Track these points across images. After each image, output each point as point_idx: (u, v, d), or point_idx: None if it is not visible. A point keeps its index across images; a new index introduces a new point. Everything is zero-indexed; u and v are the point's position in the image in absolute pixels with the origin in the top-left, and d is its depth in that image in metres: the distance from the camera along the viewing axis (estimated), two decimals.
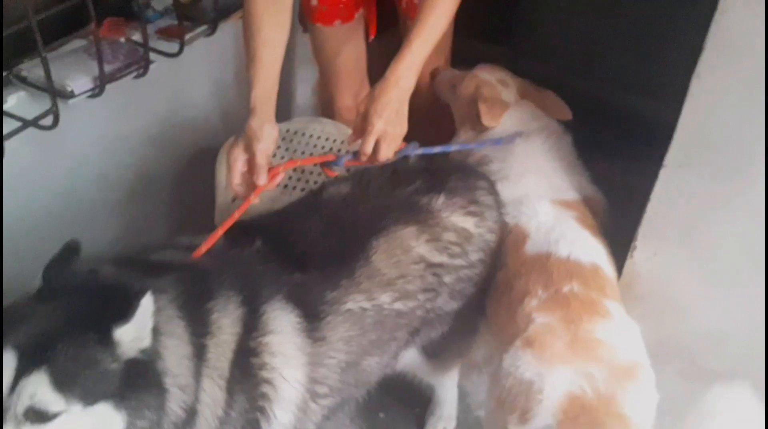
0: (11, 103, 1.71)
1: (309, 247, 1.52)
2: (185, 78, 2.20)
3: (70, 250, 1.25)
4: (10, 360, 1.11)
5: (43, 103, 1.69)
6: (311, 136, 2.13)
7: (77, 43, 1.88)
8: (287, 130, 2.13)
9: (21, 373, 1.10)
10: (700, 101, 1.46)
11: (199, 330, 1.31)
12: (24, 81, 1.73)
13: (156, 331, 1.21)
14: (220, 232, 1.46)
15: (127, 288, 1.19)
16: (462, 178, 1.73)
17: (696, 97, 1.46)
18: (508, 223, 1.74)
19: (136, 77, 1.87)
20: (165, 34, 1.97)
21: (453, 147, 1.88)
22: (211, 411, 1.33)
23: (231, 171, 1.58)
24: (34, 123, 1.66)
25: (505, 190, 1.78)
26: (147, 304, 1.16)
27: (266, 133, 1.55)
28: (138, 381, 1.19)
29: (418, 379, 1.93)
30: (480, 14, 2.24)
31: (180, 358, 1.26)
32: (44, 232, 1.93)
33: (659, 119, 1.63)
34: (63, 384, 1.11)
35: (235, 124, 2.29)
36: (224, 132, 2.29)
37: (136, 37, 1.90)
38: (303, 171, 2.03)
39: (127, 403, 1.17)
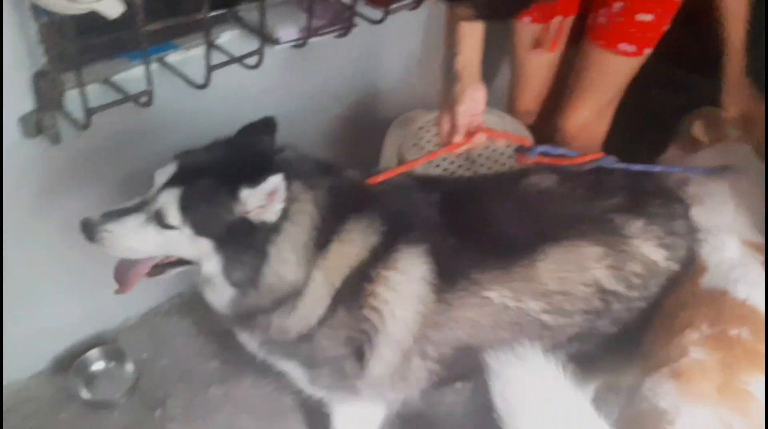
0: (224, 38, 1.85)
1: (480, 222, 1.54)
2: (380, 46, 2.28)
3: (266, 122, 1.52)
4: (171, 170, 1.40)
5: (250, 44, 1.81)
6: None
7: None
8: None
9: (168, 182, 1.39)
10: None
11: (328, 230, 1.44)
12: (239, 21, 1.86)
13: (285, 214, 1.39)
14: (399, 169, 1.61)
15: (271, 163, 1.41)
16: (664, 204, 1.65)
17: None
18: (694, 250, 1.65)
19: (338, 36, 1.95)
20: (372, 0, 2.03)
21: (656, 168, 1.80)
22: (311, 305, 1.46)
23: (440, 133, 1.74)
24: (240, 60, 1.78)
25: (696, 217, 1.70)
26: (274, 182, 1.34)
27: (468, 97, 1.68)
28: (243, 238, 1.38)
29: None
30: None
31: (293, 241, 1.41)
32: None
33: None
34: (186, 206, 1.36)
35: (415, 98, 2.36)
36: (403, 105, 2.35)
37: None
38: (474, 162, 2.04)
39: (226, 248, 1.38)
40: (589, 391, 1.91)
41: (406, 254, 1.47)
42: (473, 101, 1.69)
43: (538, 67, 2.21)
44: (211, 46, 1.68)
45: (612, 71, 2.08)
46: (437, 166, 2.04)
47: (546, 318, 1.52)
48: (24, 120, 1.60)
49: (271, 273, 1.41)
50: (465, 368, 1.58)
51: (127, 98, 1.63)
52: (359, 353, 1.52)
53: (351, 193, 1.52)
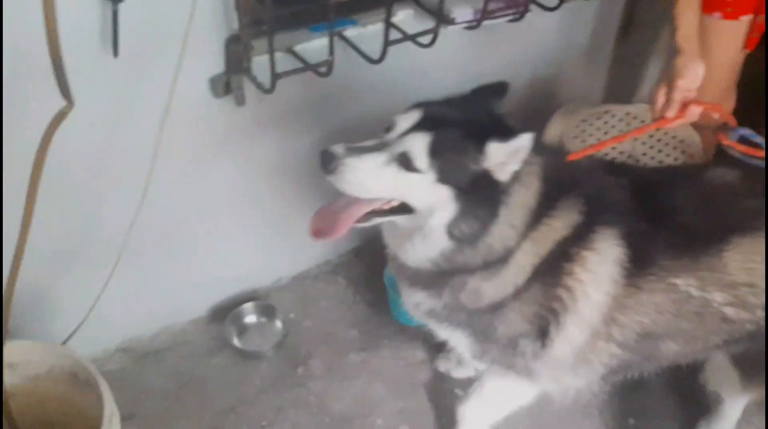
0: (400, 16, 1.91)
1: (667, 209, 1.53)
2: (548, 33, 2.26)
3: (500, 85, 1.53)
4: (415, 116, 1.41)
5: (425, 23, 1.85)
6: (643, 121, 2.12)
7: None
8: (626, 113, 2.15)
9: (414, 127, 1.39)
10: None
11: (546, 201, 1.45)
12: (416, 1, 1.91)
13: (516, 176, 1.39)
14: (599, 146, 1.63)
15: (513, 125, 1.43)
16: None
17: None
18: None
19: (511, 20, 1.95)
20: None
21: None
22: (514, 274, 1.47)
23: (654, 105, 1.69)
24: (414, 38, 1.82)
25: None
26: (525, 140, 1.34)
27: (689, 71, 1.64)
28: (483, 191, 1.38)
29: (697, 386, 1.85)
30: None
31: (521, 206, 1.42)
32: None
33: None
34: (434, 151, 1.35)
35: (575, 90, 2.33)
36: (563, 96, 2.33)
37: None
38: (637, 160, 2.00)
39: (464, 199, 1.37)
40: (741, 404, 1.85)
41: (603, 235, 1.48)
42: (695, 76, 1.65)
43: (724, 66, 2.11)
44: (389, 24, 1.74)
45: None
46: (606, 154, 2.01)
47: (728, 310, 1.50)
48: (213, 80, 1.72)
49: (496, 233, 1.41)
50: (643, 355, 1.59)
51: (309, 67, 1.71)
52: (542, 332, 1.53)
53: (564, 168, 1.53)
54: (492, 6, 1.85)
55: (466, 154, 1.36)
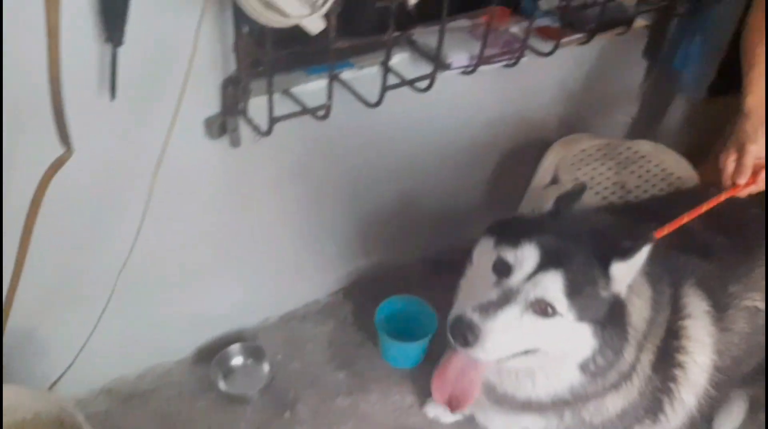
0: (395, 60, 1.90)
1: (711, 239, 1.57)
2: (543, 77, 2.28)
3: (580, 188, 1.43)
4: (533, 253, 1.28)
5: (420, 68, 1.86)
6: (649, 161, 2.13)
7: (463, 22, 2.02)
8: (627, 148, 2.18)
9: (540, 267, 1.27)
10: None
11: (657, 303, 1.39)
12: (412, 45, 1.91)
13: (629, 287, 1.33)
14: (684, 219, 1.51)
15: (642, 232, 1.33)
16: None
17: None
18: None
19: (506, 66, 1.96)
20: (543, 33, 2.04)
21: None
22: (638, 379, 1.42)
23: (724, 171, 1.66)
24: (411, 83, 1.82)
25: None
26: (645, 252, 1.27)
27: (760, 135, 1.64)
28: (615, 318, 1.30)
29: None
30: None
31: (641, 318, 1.36)
32: (383, 173, 2.19)
33: None
34: (571, 290, 1.25)
35: (564, 131, 2.35)
36: (555, 133, 2.34)
37: (515, 29, 2.01)
38: (624, 188, 2.02)
39: (603, 333, 1.29)
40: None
41: (690, 297, 1.48)
42: (765, 141, 1.65)
43: None
44: (386, 67, 1.74)
45: None
46: (596, 193, 2.01)
47: None
48: (209, 122, 1.70)
49: (627, 356, 1.34)
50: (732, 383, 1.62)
51: (307, 110, 1.70)
52: (657, 411, 1.50)
53: (660, 258, 1.46)
54: (488, 52, 1.86)
55: (597, 284, 1.28)
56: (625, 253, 1.27)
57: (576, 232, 1.33)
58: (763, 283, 1.56)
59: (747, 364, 1.62)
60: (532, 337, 1.28)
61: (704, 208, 1.56)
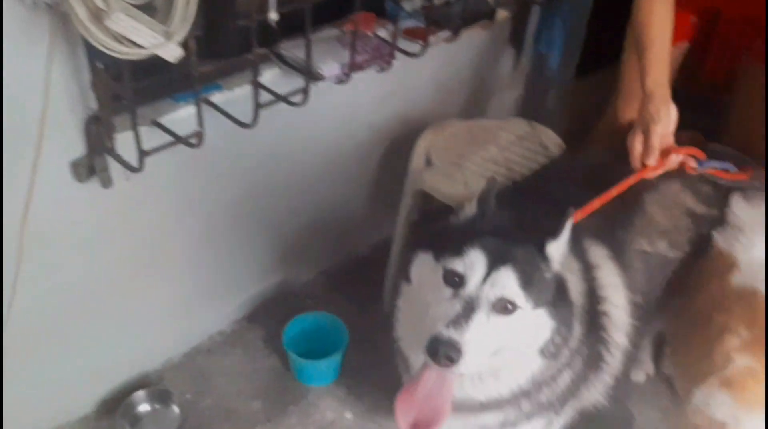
0: (266, 77, 1.86)
1: (595, 194, 1.62)
2: (416, 76, 2.30)
3: (492, 184, 1.42)
4: (481, 257, 1.29)
5: (293, 82, 1.82)
6: (526, 139, 2.20)
7: (330, 32, 2.01)
8: (498, 127, 2.22)
9: (491, 268, 1.28)
10: None
11: (583, 267, 1.46)
12: (281, 59, 1.88)
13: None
14: (596, 203, 1.57)
15: (556, 209, 1.36)
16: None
17: None
18: (721, 246, 1.69)
19: (379, 71, 1.96)
20: (410, 34, 2.05)
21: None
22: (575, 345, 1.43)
23: (632, 154, 1.72)
24: (285, 98, 1.79)
25: (736, 211, 1.73)
26: (570, 225, 1.33)
27: (663, 115, 1.68)
28: (561, 295, 1.35)
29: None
30: None
31: (577, 292, 1.41)
32: (268, 194, 2.14)
33: None
34: (524, 282, 1.28)
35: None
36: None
37: (383, 33, 2.01)
38: (509, 169, 2.06)
39: (556, 312, 1.33)
40: None
41: (591, 248, 1.53)
42: (669, 120, 1.70)
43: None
44: (257, 85, 1.70)
45: None
46: (481, 175, 2.04)
47: (671, 254, 1.67)
48: (75, 164, 1.60)
49: (576, 330, 1.38)
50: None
51: (178, 140, 1.63)
52: (594, 366, 1.53)
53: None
54: (359, 59, 1.85)
55: (541, 268, 1.32)
56: (555, 232, 1.32)
57: (505, 225, 1.38)
58: (651, 229, 1.67)
59: (648, 298, 1.69)
60: (500, 337, 1.29)
61: (615, 191, 1.62)
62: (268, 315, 2.38)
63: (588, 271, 1.51)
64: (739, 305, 1.55)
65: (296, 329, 2.20)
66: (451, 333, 1.22)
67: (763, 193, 1.78)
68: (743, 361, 1.43)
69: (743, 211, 1.73)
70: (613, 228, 1.64)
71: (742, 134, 2.12)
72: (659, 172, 1.70)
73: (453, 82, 2.50)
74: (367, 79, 2.03)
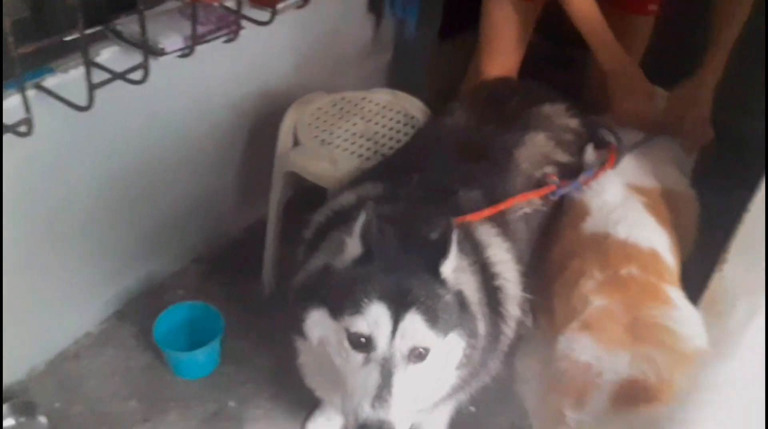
0: (104, 56, 1.74)
1: (463, 169, 1.66)
2: (272, 47, 2.21)
3: (370, 213, 1.30)
4: (383, 310, 1.22)
5: (135, 59, 1.70)
6: (391, 109, 2.16)
7: (171, 4, 1.89)
8: (362, 98, 2.18)
9: (396, 318, 1.22)
10: None
11: (474, 263, 1.45)
12: (119, 36, 1.75)
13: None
14: (501, 206, 1.59)
15: (440, 228, 1.32)
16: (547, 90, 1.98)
17: None
18: (573, 196, 1.75)
19: (226, 41, 1.87)
20: (258, 2, 1.96)
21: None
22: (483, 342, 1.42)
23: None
24: (123, 76, 1.67)
25: (587, 160, 1.83)
26: (454, 231, 1.28)
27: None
28: (463, 308, 1.32)
29: None
30: None
31: (473, 290, 1.39)
32: (123, 182, 2.01)
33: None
34: (431, 320, 1.24)
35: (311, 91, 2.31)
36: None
37: (230, 2, 1.91)
38: (376, 143, 2.03)
39: (463, 329, 1.30)
40: None
41: (477, 229, 1.54)
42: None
43: (509, 31, 2.16)
44: (91, 64, 1.57)
45: None
46: (351, 152, 2.00)
47: (545, 208, 1.74)
48: None
49: (482, 331, 1.37)
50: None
51: (4, 129, 1.49)
52: (497, 335, 1.52)
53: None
54: (202, 30, 1.76)
55: (440, 295, 1.27)
56: (444, 251, 1.28)
57: (393, 259, 1.30)
58: (522, 180, 1.72)
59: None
60: (421, 382, 1.27)
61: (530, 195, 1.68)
62: (140, 310, 2.25)
63: (480, 252, 1.51)
64: (591, 250, 1.59)
65: (168, 322, 2.09)
66: (379, 414, 1.19)
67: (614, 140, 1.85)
68: (599, 302, 1.46)
69: (593, 158, 1.78)
70: (494, 201, 1.64)
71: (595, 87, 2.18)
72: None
73: (314, 53, 2.43)
74: (217, 53, 1.92)
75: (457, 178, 1.66)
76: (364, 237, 1.29)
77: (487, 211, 1.56)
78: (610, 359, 1.34)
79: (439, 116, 2.01)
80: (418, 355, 1.24)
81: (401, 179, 1.66)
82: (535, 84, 2.03)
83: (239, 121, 2.29)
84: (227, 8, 1.87)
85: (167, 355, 2.07)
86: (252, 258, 2.32)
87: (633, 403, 1.30)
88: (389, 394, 1.19)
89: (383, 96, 2.20)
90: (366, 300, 1.23)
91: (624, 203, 1.68)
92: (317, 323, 1.31)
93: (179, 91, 1.98)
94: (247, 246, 2.46)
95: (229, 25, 1.83)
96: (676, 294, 1.50)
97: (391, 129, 2.09)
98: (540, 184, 1.73)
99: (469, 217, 1.54)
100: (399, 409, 1.20)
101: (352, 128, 2.06)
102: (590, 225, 1.66)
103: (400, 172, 1.71)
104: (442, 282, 1.29)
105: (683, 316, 1.44)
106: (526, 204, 1.72)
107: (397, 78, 2.78)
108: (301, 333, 1.35)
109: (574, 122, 1.92)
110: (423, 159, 1.78)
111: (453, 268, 1.31)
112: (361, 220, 1.29)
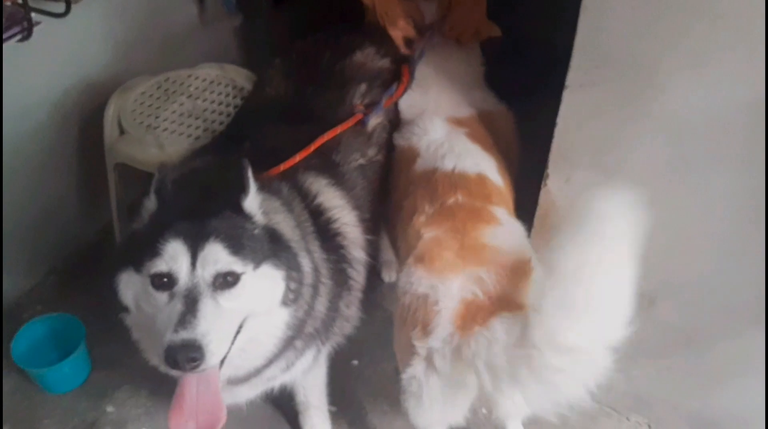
0: None
1: (291, 132, 1.69)
2: (84, 37, 2.12)
3: (163, 171, 1.36)
4: (179, 244, 1.24)
5: None
6: (219, 83, 2.14)
7: None
8: (188, 75, 2.15)
9: (195, 248, 1.24)
10: (593, 17, 1.43)
11: (288, 206, 1.48)
12: None
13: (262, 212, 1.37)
14: (297, 157, 1.62)
15: (237, 166, 1.34)
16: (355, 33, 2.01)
17: (589, 13, 1.43)
18: (401, 144, 1.80)
19: (21, 41, 1.76)
20: None
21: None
22: (325, 274, 1.47)
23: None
24: None
25: (405, 112, 1.86)
26: (247, 168, 1.33)
27: None
28: (276, 243, 1.34)
29: None
30: None
31: (290, 228, 1.42)
32: None
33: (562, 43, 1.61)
34: (234, 248, 1.26)
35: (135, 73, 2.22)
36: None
37: None
38: (205, 120, 1.99)
39: (280, 261, 1.32)
40: None
41: (307, 180, 1.59)
42: None
43: None
44: None
45: None
46: (187, 135, 1.97)
47: (379, 157, 1.84)
48: None
49: (305, 265, 1.39)
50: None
51: None
52: (346, 286, 1.58)
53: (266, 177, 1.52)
54: None
55: (245, 228, 1.30)
56: (243, 187, 1.32)
57: (191, 205, 1.33)
58: (355, 141, 1.76)
59: (374, 208, 1.79)
60: (236, 311, 1.26)
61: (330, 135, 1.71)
62: None
63: (309, 199, 1.56)
64: (422, 186, 1.64)
65: (27, 340, 2.01)
66: (181, 335, 1.18)
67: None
68: (429, 234, 1.50)
69: (405, 111, 1.85)
70: (326, 154, 1.70)
71: None
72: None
73: (135, 36, 2.33)
74: (22, 53, 1.82)
75: (287, 141, 1.67)
76: (158, 192, 1.33)
77: (298, 157, 1.62)
78: (443, 286, 1.38)
79: (259, 87, 2.00)
80: (224, 282, 1.25)
81: (233, 149, 1.67)
82: (342, 30, 2.04)
83: (66, 120, 2.19)
84: (16, 4, 1.77)
85: (30, 373, 1.99)
86: (107, 260, 2.25)
87: (472, 323, 1.33)
88: (194, 318, 1.20)
89: (210, 71, 2.16)
90: (162, 241, 1.25)
91: (448, 138, 1.73)
92: (127, 284, 1.31)
93: None
94: (101, 248, 2.38)
95: (20, 22, 1.73)
96: (500, 212, 1.56)
97: (220, 104, 2.05)
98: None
99: (285, 166, 1.59)
100: (207, 330, 1.20)
101: (179, 109, 2.01)
102: (420, 165, 1.71)
103: (232, 144, 1.71)
104: (247, 216, 1.33)
105: (506, 232, 1.51)
106: (360, 156, 1.76)
107: (226, 51, 2.72)
108: (122, 307, 1.35)
109: (386, 62, 1.95)
110: (252, 129, 1.77)
111: (258, 205, 1.35)
112: (155, 179, 1.34)
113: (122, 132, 1.97)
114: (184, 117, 1.99)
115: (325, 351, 1.69)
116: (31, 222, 2.20)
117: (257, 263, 1.29)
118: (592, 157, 1.62)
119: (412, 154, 1.74)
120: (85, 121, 2.23)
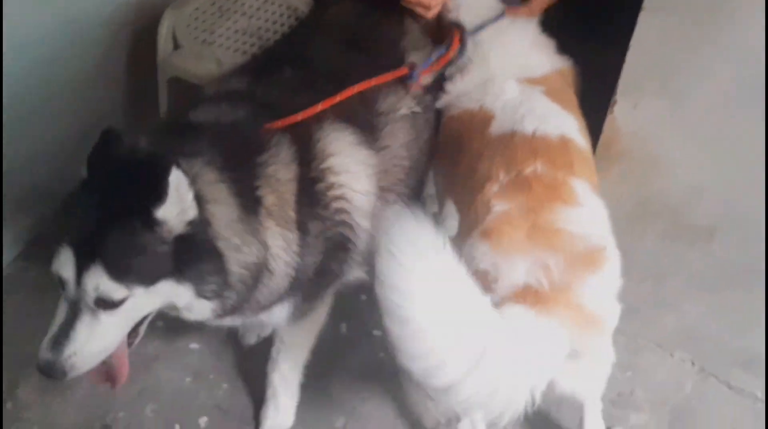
0: None
1: (343, 65, 1.60)
2: None
3: (109, 135, 1.24)
4: (68, 256, 1.18)
5: None
6: (273, 3, 2.09)
7: None
8: None
9: (81, 268, 1.18)
10: None
11: (249, 186, 1.34)
12: None
13: (200, 199, 1.23)
14: (319, 107, 1.48)
15: (155, 166, 1.18)
16: None
17: None
18: (473, 107, 1.68)
19: None
20: None
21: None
22: (286, 253, 1.39)
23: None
24: None
25: (473, 74, 1.72)
26: (176, 177, 1.17)
27: None
28: (192, 253, 1.23)
29: None
30: None
31: (230, 221, 1.29)
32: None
33: None
34: (119, 273, 1.18)
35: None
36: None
37: None
38: (260, 38, 1.98)
39: (186, 275, 1.24)
40: None
41: (327, 137, 1.47)
42: None
43: None
44: None
45: None
46: (235, 50, 1.94)
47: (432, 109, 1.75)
48: None
49: (235, 266, 1.30)
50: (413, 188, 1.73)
51: None
52: (342, 247, 1.52)
53: (239, 143, 1.39)
54: None
55: (146, 244, 1.19)
56: (156, 195, 1.17)
57: (109, 193, 1.21)
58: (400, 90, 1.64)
59: (420, 160, 1.70)
60: (124, 325, 1.26)
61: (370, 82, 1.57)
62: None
63: (318, 163, 1.46)
64: (498, 152, 1.52)
65: None
66: (48, 356, 1.20)
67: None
68: (500, 206, 1.41)
69: (472, 73, 1.72)
70: (369, 101, 1.59)
71: None
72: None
73: None
74: None
75: (333, 72, 1.59)
76: (91, 162, 1.24)
77: (320, 107, 1.49)
78: (507, 266, 1.32)
79: (323, 3, 1.93)
80: (107, 303, 1.21)
81: (272, 73, 1.59)
82: None
83: (115, 35, 2.16)
84: None
85: None
86: None
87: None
88: (66, 338, 1.21)
89: None
90: (61, 242, 1.21)
91: (527, 97, 1.62)
92: (62, 263, 1.23)
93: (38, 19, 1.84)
94: None
95: None
96: (581, 188, 1.45)
97: (274, 23, 2.03)
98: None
99: (301, 116, 1.45)
100: (75, 351, 1.21)
101: (234, 26, 1.99)
102: (496, 128, 1.59)
103: (273, 65, 1.63)
104: (154, 230, 1.19)
105: (583, 215, 1.41)
106: (403, 106, 1.65)
107: None
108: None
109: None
110: (300, 51, 1.70)
111: (180, 210, 1.20)
112: (95, 144, 1.24)
113: (176, 47, 1.95)
114: (239, 34, 1.98)
115: (324, 305, 1.68)
116: (77, 134, 2.18)
117: (151, 282, 1.22)
118: (661, 83, 1.60)
119: (487, 116, 1.62)
120: (137, 37, 2.20)
